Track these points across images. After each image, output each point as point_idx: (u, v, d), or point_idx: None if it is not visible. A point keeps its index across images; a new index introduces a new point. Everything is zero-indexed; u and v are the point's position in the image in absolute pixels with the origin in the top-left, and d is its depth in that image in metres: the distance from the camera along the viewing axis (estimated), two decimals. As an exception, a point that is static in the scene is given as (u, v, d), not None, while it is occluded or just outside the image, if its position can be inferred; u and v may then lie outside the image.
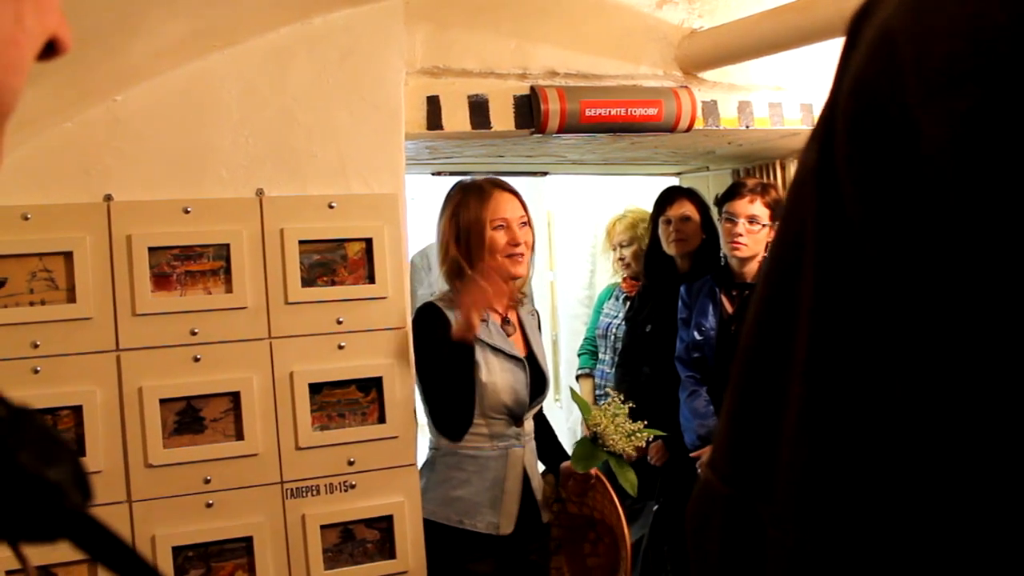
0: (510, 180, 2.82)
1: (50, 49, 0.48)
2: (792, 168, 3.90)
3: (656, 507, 3.73)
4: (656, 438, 3.02)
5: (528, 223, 2.70)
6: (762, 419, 0.61)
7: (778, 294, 0.61)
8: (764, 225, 3.34)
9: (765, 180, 3.70)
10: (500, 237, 2.63)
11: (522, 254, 2.64)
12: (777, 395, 0.59)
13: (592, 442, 2.66)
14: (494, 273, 2.54)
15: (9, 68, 0.45)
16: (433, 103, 2.72)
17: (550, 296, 5.87)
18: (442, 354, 2.49)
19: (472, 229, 2.63)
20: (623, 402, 2.74)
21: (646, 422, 2.72)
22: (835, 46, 2.67)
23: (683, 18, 3.09)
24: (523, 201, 2.72)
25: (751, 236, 3.33)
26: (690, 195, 3.84)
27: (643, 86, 3.04)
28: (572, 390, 2.70)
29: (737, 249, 3.35)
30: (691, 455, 3.37)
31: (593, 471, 2.68)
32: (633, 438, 2.64)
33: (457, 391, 2.53)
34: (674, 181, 4.62)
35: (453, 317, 2.54)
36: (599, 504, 2.73)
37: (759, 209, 3.34)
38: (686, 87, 3.10)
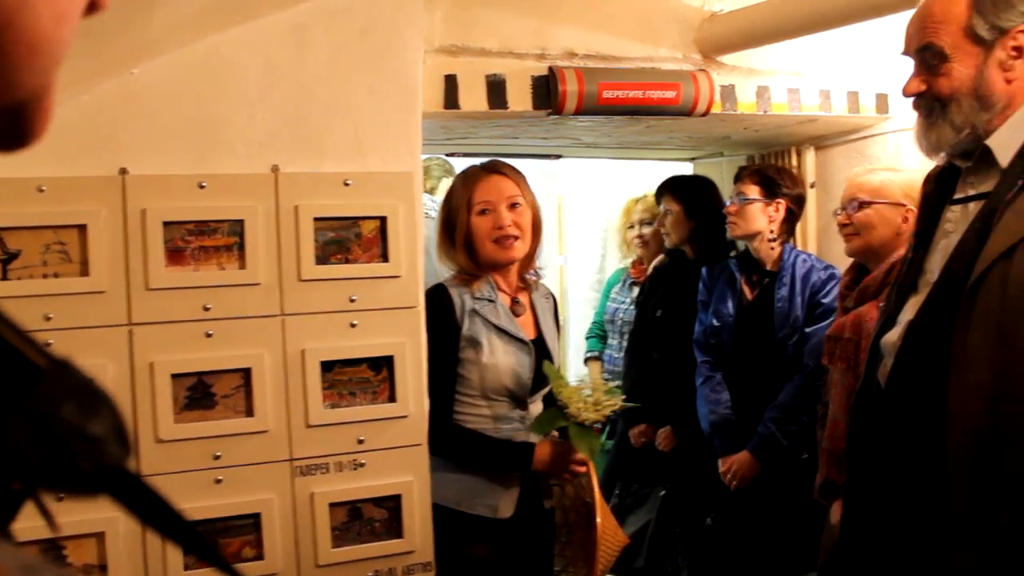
0: (523, 162, 2.80)
1: (91, 5, 0.47)
2: (809, 155, 3.87)
3: (663, 492, 3.73)
4: (626, 409, 2.98)
5: (523, 204, 2.61)
6: None
7: None
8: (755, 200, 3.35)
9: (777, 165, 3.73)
10: (484, 222, 2.58)
11: (514, 236, 2.58)
12: None
13: (558, 410, 2.58)
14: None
15: (61, 19, 0.44)
16: (451, 82, 2.71)
17: (560, 280, 5.87)
18: (433, 337, 2.52)
19: (455, 216, 2.61)
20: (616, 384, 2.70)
21: (623, 397, 2.67)
22: (855, 31, 2.67)
23: (704, 0, 3.06)
24: (519, 180, 2.64)
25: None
26: (672, 188, 3.86)
27: (662, 69, 3.02)
28: (546, 362, 2.62)
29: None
30: (721, 471, 3.35)
31: (579, 455, 2.62)
32: (600, 407, 2.56)
33: (437, 377, 2.53)
34: (688, 167, 4.61)
35: (458, 295, 2.57)
36: (588, 487, 2.69)
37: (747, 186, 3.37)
38: (704, 71, 3.08)
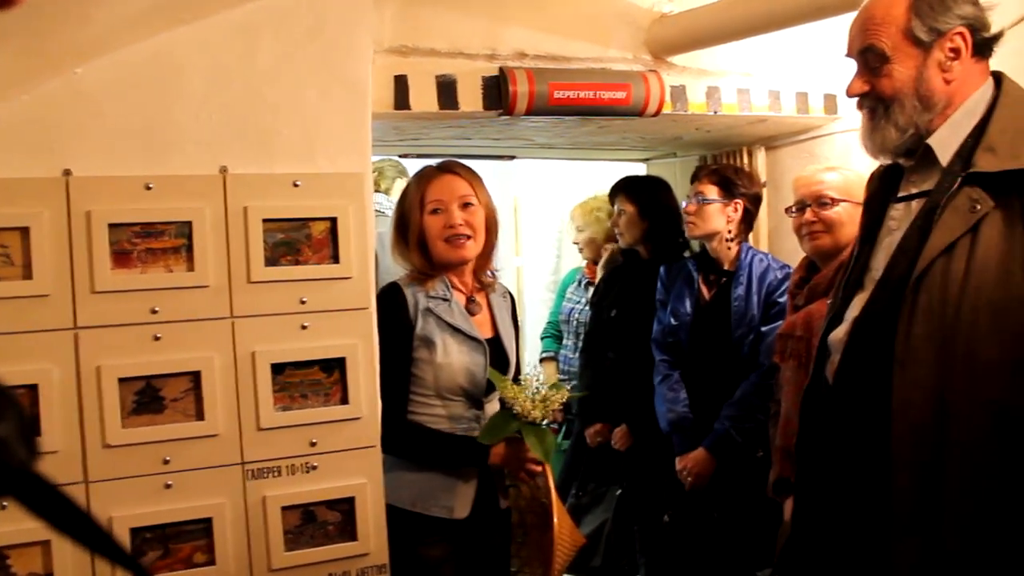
0: (476, 163, 2.79)
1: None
2: (760, 155, 3.91)
3: (619, 492, 3.74)
4: (582, 409, 2.96)
5: (476, 204, 2.61)
6: None
7: None
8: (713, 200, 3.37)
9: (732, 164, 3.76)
10: (436, 221, 2.58)
11: (465, 235, 2.58)
12: None
13: (506, 414, 2.58)
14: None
15: None
16: (401, 82, 2.70)
17: (516, 281, 5.88)
18: (386, 336, 2.51)
19: (408, 216, 2.61)
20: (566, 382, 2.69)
21: (569, 388, 2.66)
22: (804, 32, 2.70)
23: (654, 2, 3.08)
24: (472, 180, 2.64)
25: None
26: (626, 188, 3.88)
27: (612, 69, 3.03)
28: (490, 368, 2.61)
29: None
30: (677, 468, 3.37)
31: (530, 453, 2.62)
32: (548, 403, 2.55)
33: (391, 376, 2.52)
34: (641, 167, 4.64)
35: (412, 294, 2.56)
36: (544, 487, 2.68)
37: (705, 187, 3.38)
38: (655, 71, 3.10)
